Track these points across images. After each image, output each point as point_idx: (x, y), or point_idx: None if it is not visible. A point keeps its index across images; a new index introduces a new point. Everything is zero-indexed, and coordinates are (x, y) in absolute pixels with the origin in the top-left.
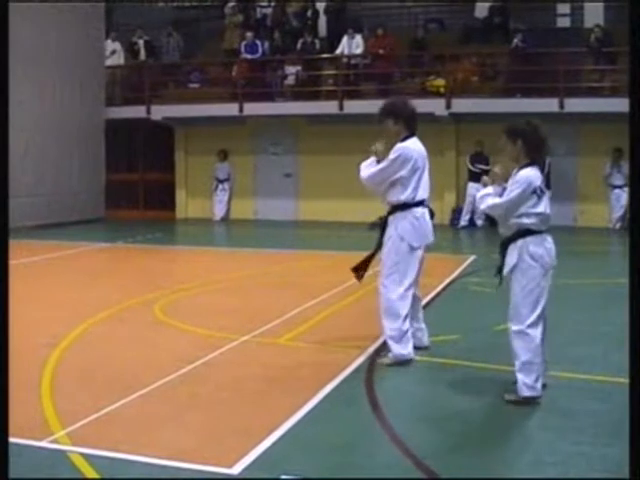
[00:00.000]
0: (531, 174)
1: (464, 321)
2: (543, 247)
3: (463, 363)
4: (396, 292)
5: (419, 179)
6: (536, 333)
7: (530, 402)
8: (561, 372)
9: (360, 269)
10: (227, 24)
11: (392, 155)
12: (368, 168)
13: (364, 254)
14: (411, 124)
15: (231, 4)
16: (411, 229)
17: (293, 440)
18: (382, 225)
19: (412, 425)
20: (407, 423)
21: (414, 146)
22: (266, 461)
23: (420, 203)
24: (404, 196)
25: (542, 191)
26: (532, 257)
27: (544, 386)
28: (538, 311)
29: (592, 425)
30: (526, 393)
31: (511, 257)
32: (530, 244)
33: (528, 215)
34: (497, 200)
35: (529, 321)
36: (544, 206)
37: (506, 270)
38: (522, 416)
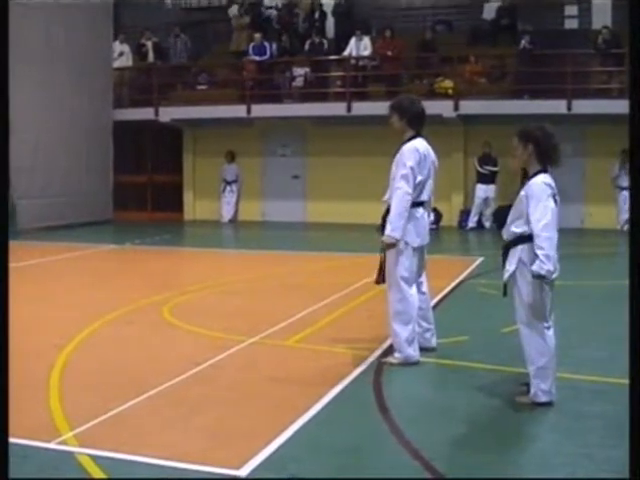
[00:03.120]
0: (545, 181)
1: (472, 323)
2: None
3: (471, 364)
4: (403, 295)
5: (425, 180)
6: (549, 337)
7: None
8: (568, 374)
9: (379, 276)
10: (234, 26)
11: (409, 161)
12: (396, 202)
13: (371, 256)
14: (415, 123)
15: (236, 6)
16: (411, 229)
17: (301, 442)
18: (382, 225)
19: (420, 426)
20: (415, 424)
21: (422, 147)
22: (274, 463)
23: (421, 204)
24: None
25: (556, 201)
26: (532, 263)
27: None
28: (547, 314)
29: (600, 427)
30: (542, 399)
31: (510, 263)
32: (529, 251)
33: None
34: (544, 241)
35: (541, 325)
36: None
37: (505, 276)
38: (530, 417)
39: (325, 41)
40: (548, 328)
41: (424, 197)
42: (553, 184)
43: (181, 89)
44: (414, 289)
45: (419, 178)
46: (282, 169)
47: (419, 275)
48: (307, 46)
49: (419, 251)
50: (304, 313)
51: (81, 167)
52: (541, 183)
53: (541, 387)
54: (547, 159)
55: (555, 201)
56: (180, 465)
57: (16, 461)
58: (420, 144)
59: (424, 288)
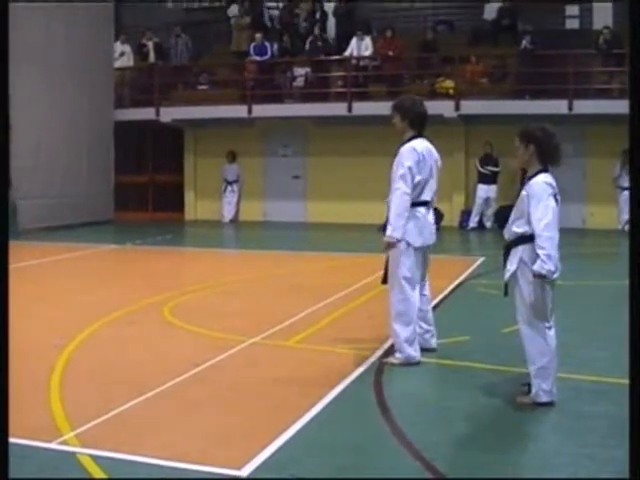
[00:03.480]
0: (546, 180)
1: (473, 323)
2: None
3: (472, 365)
4: (405, 296)
5: (426, 180)
6: (550, 337)
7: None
8: (570, 374)
9: (385, 276)
10: (234, 26)
11: (407, 161)
12: (395, 203)
13: (371, 256)
14: (417, 124)
15: (236, 6)
16: (412, 229)
17: (302, 442)
18: (384, 225)
19: (421, 427)
20: (416, 425)
21: (420, 147)
22: (275, 463)
23: (423, 203)
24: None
25: (557, 200)
26: (533, 263)
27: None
28: (548, 314)
29: (601, 427)
30: (543, 399)
31: (511, 263)
32: (531, 250)
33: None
34: (545, 240)
35: (542, 325)
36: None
37: (506, 276)
38: (531, 418)
39: (326, 36)
40: (549, 328)
41: (425, 197)
42: (554, 183)
43: (182, 89)
44: (417, 290)
45: (418, 178)
46: (283, 169)
47: (423, 276)
48: (307, 43)
49: (422, 251)
50: (305, 313)
51: (82, 167)
52: (542, 182)
53: (542, 387)
54: (548, 159)
55: (556, 200)
56: (180, 465)
57: (16, 461)
58: (419, 144)
59: (426, 290)
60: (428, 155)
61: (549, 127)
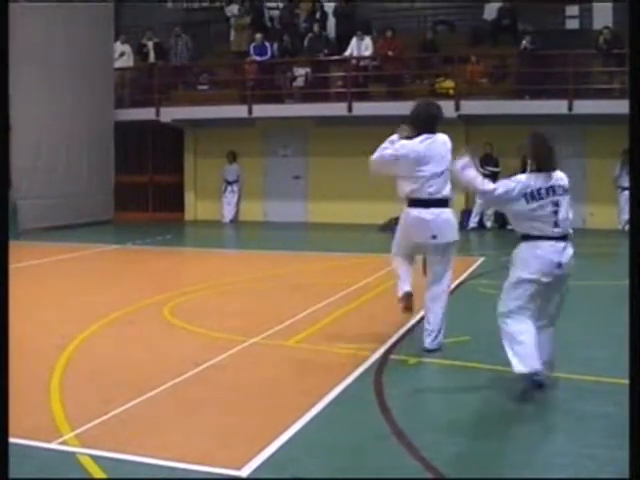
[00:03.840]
0: (521, 178)
1: (473, 323)
2: (531, 253)
3: (472, 365)
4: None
5: (419, 177)
6: (531, 332)
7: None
8: (571, 374)
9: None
10: (234, 26)
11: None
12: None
13: (373, 256)
14: (415, 125)
15: (236, 6)
16: (401, 225)
17: (302, 442)
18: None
19: (421, 427)
20: (416, 425)
21: (415, 146)
22: (275, 463)
23: (418, 203)
24: (403, 192)
25: (534, 198)
26: (522, 261)
27: (541, 386)
28: (519, 303)
29: (603, 427)
30: (517, 368)
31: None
32: (523, 249)
33: (524, 220)
34: (485, 187)
35: (506, 309)
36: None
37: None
38: (532, 418)
39: (326, 34)
40: (515, 315)
41: (422, 194)
42: (532, 183)
43: (182, 89)
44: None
45: (399, 169)
46: (283, 169)
47: (431, 277)
48: (307, 41)
49: (417, 247)
50: (305, 313)
51: (82, 167)
52: (517, 177)
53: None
54: (540, 161)
55: (527, 198)
56: (181, 465)
57: (16, 461)
58: (416, 143)
59: (434, 290)
60: (419, 153)
61: (544, 131)
